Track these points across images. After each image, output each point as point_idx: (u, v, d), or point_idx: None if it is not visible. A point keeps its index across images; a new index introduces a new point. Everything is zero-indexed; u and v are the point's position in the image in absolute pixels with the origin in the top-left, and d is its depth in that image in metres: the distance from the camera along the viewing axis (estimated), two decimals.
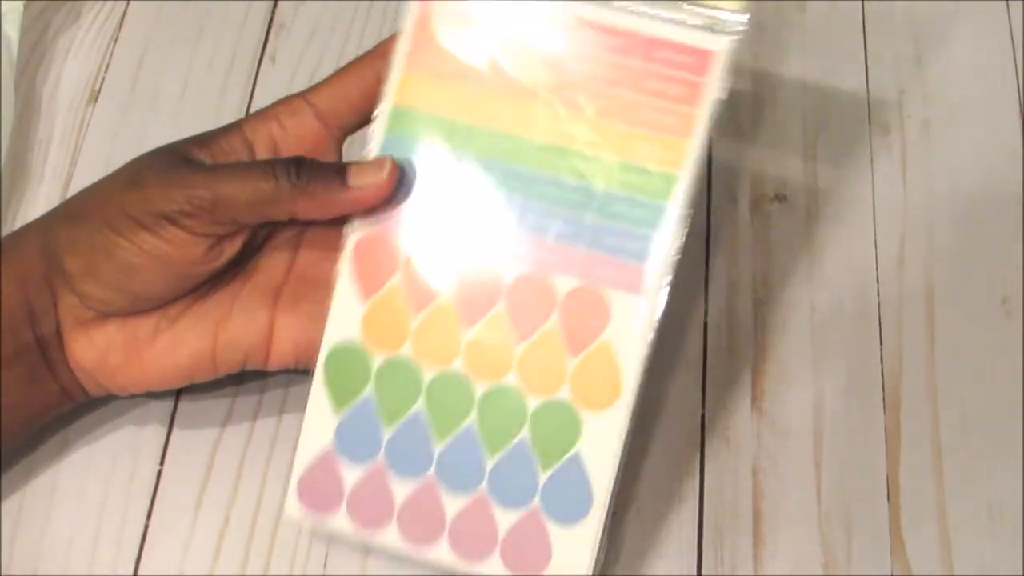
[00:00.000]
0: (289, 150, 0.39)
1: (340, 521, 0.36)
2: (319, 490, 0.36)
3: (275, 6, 0.51)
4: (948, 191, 0.47)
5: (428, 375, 0.36)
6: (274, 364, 0.39)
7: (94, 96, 0.49)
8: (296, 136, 0.39)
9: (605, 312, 0.35)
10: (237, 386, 0.43)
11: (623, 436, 0.35)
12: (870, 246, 0.46)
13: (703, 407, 0.43)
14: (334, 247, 0.37)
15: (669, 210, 0.35)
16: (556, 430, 0.36)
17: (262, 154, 0.39)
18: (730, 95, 0.49)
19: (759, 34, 0.51)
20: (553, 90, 0.36)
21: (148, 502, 0.41)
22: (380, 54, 0.37)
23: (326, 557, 0.40)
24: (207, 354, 0.38)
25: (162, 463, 0.41)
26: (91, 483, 0.41)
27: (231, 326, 0.38)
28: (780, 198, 0.47)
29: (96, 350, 0.38)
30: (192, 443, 0.42)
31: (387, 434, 0.36)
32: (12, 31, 0.47)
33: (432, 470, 0.36)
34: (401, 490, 0.36)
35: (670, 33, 0.35)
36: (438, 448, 0.36)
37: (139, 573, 0.39)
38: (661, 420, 0.42)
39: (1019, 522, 0.41)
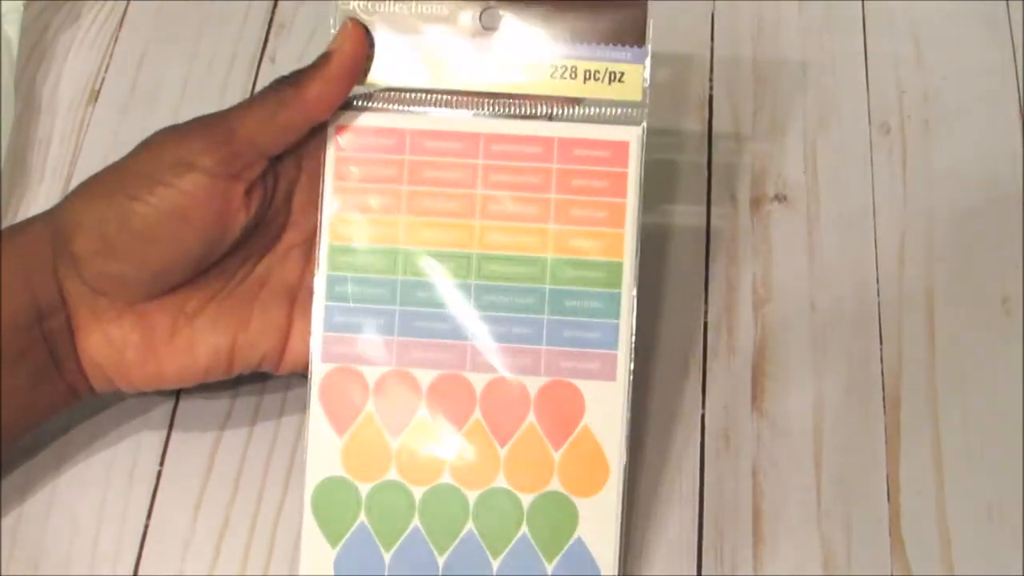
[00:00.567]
0: (316, 162, 0.38)
1: None
2: None
3: (275, 6, 0.51)
4: (948, 191, 0.47)
5: (418, 492, 0.37)
6: (286, 368, 0.39)
7: (94, 96, 0.49)
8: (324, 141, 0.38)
9: (579, 401, 0.37)
10: (237, 387, 0.43)
11: (619, 512, 0.36)
12: (870, 246, 0.46)
13: (703, 407, 0.43)
14: None
15: (623, 296, 0.37)
16: (554, 521, 0.36)
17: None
18: (730, 95, 0.50)
19: (759, 34, 0.51)
20: (483, 203, 0.37)
21: (148, 502, 0.41)
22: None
23: None
24: (224, 354, 0.38)
25: (162, 463, 0.41)
26: (91, 483, 0.41)
27: (251, 327, 0.38)
28: (780, 198, 0.47)
29: (111, 346, 0.37)
30: (192, 443, 0.42)
31: (388, 556, 0.37)
32: (12, 31, 0.47)
33: None
34: None
35: (581, 132, 0.37)
36: (442, 560, 0.37)
37: (139, 573, 0.39)
38: (661, 420, 0.42)
39: (1019, 522, 0.41)
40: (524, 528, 0.36)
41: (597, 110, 0.37)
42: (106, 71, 0.50)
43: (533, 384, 0.37)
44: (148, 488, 0.41)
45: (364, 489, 0.37)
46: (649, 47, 0.36)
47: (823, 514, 0.41)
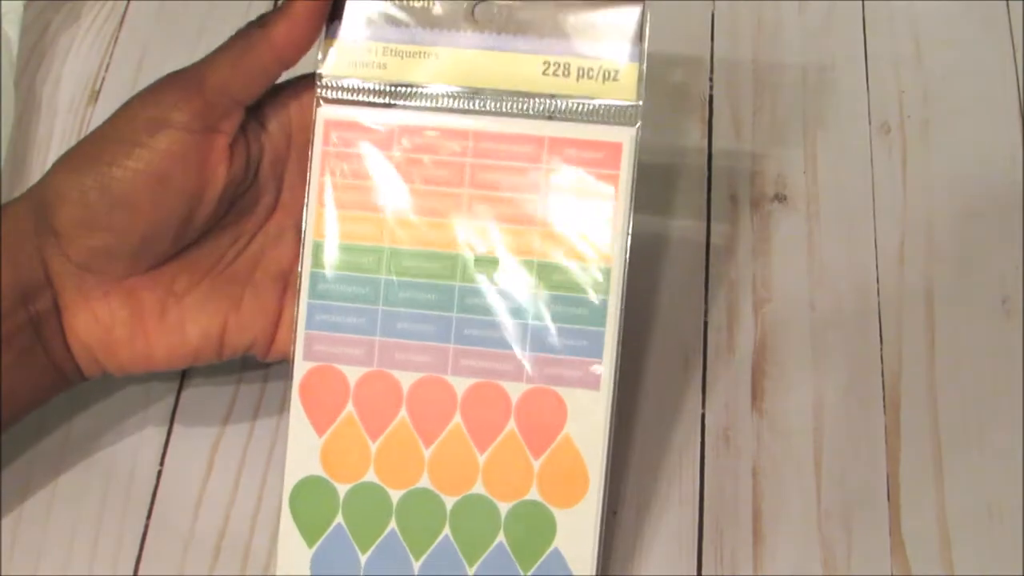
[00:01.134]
0: (307, 139, 0.38)
1: None
2: None
3: (275, 6, 0.51)
4: (948, 191, 0.47)
5: (396, 496, 0.36)
6: (275, 354, 0.39)
7: (94, 96, 0.49)
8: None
9: (562, 410, 0.36)
10: (237, 385, 0.43)
11: (598, 526, 0.36)
12: (870, 246, 0.46)
13: (703, 407, 0.43)
14: None
15: (610, 303, 0.36)
16: (531, 531, 0.36)
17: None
18: (730, 95, 0.50)
19: (759, 34, 0.51)
20: (471, 203, 0.36)
21: (148, 502, 0.41)
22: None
23: None
24: (215, 336, 0.38)
25: (162, 463, 0.41)
26: (91, 483, 0.41)
27: (243, 309, 0.38)
28: (780, 198, 0.47)
29: (99, 325, 0.37)
30: (192, 443, 0.42)
31: (364, 558, 0.36)
32: (12, 31, 0.47)
33: None
34: None
35: (572, 132, 0.36)
36: (417, 564, 0.36)
37: (139, 573, 0.39)
38: (661, 420, 0.43)
39: (1019, 522, 0.41)
40: (501, 536, 0.36)
41: (590, 108, 0.36)
42: (106, 71, 0.50)
43: (515, 390, 0.36)
44: (148, 488, 0.41)
45: (342, 490, 0.36)
46: (645, 45, 0.36)
47: (823, 514, 0.41)
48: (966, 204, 0.47)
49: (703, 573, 0.40)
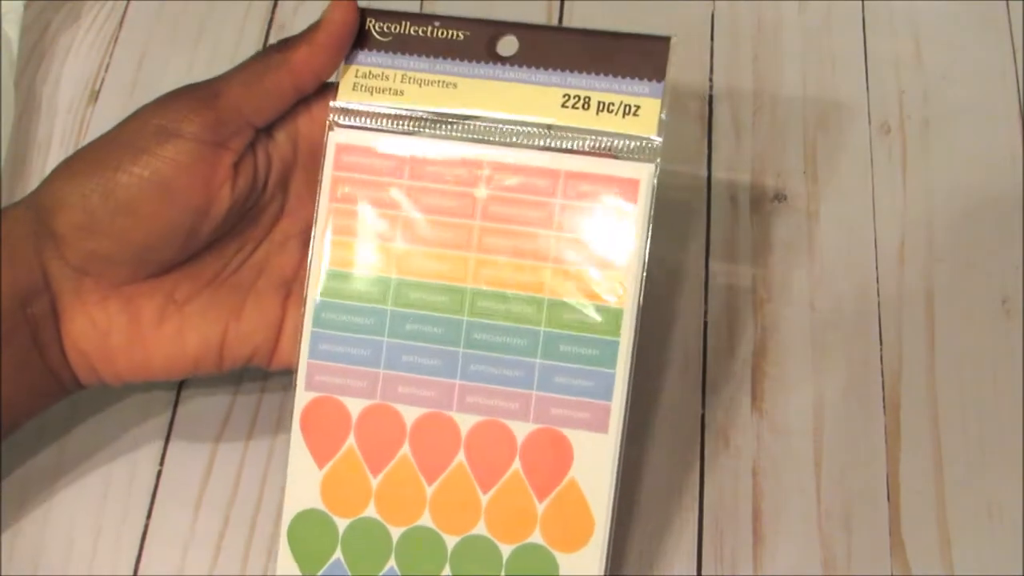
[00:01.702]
0: (314, 148, 0.37)
1: None
2: None
3: (275, 6, 0.51)
4: (948, 191, 0.47)
5: (396, 532, 0.36)
6: (278, 363, 0.38)
7: (94, 96, 0.49)
8: (323, 128, 0.37)
9: (567, 452, 0.35)
10: (237, 386, 0.43)
11: (603, 570, 0.35)
12: (870, 246, 0.46)
13: (703, 407, 0.43)
14: None
15: (621, 344, 0.35)
16: (534, 574, 0.35)
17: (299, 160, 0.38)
18: (730, 95, 0.50)
19: (759, 34, 0.51)
20: (481, 235, 0.35)
21: (148, 502, 0.41)
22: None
23: None
24: (215, 346, 0.37)
25: (162, 463, 0.41)
26: (91, 483, 0.41)
27: (244, 318, 0.37)
28: (780, 198, 0.47)
29: (97, 331, 0.36)
30: (192, 443, 0.42)
31: None
32: (12, 31, 0.47)
33: None
34: None
35: (589, 166, 0.35)
36: None
37: (139, 573, 0.39)
38: (661, 420, 0.43)
39: (1019, 522, 0.41)
40: None
41: (608, 143, 0.35)
42: (106, 71, 0.50)
43: (521, 430, 0.35)
44: (148, 488, 0.41)
45: (342, 524, 0.36)
46: (668, 82, 0.34)
47: (823, 514, 0.41)
48: (966, 204, 0.47)
49: (703, 573, 0.40)
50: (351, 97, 0.36)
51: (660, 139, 0.35)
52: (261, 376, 0.42)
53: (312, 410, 0.36)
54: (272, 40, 0.50)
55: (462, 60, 0.35)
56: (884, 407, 0.43)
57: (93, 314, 0.36)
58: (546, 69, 0.35)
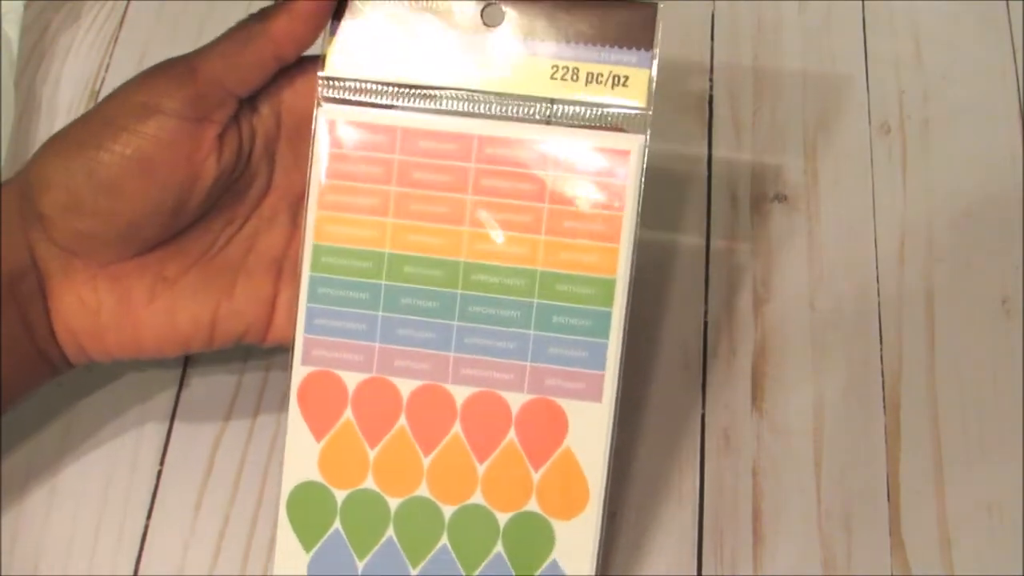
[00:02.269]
0: (297, 119, 0.37)
1: None
2: None
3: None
4: (948, 191, 0.47)
5: (394, 503, 0.36)
6: (272, 340, 0.38)
7: (94, 96, 0.49)
8: (305, 99, 0.37)
9: (563, 421, 0.35)
10: (237, 386, 0.43)
11: (597, 538, 0.36)
12: (870, 246, 0.46)
13: (703, 407, 0.43)
14: None
15: (613, 315, 0.35)
16: (530, 542, 0.36)
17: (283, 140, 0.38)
18: (730, 95, 0.50)
19: (759, 34, 0.51)
20: (472, 209, 0.36)
21: (148, 502, 0.41)
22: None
23: None
24: (206, 324, 0.37)
25: (162, 463, 0.41)
26: (91, 483, 0.41)
27: (235, 296, 0.37)
28: (780, 198, 0.47)
29: (86, 309, 0.36)
30: (192, 443, 0.42)
31: (362, 565, 0.36)
32: (12, 31, 0.47)
33: None
34: None
35: (579, 138, 0.35)
36: (415, 572, 0.36)
37: (139, 573, 0.39)
38: (661, 420, 0.43)
39: (1019, 522, 0.41)
40: (499, 546, 0.36)
41: (598, 114, 0.35)
42: (106, 71, 0.50)
43: (515, 400, 0.36)
44: (148, 488, 0.41)
45: (340, 496, 0.36)
46: (657, 51, 0.34)
47: (823, 514, 0.41)
48: (966, 204, 0.47)
49: (703, 573, 0.40)
50: (338, 71, 0.36)
51: (650, 110, 0.35)
52: (261, 377, 0.42)
53: (309, 384, 0.36)
54: None
55: (448, 30, 0.35)
56: (884, 407, 0.43)
57: (82, 293, 0.36)
58: (534, 39, 0.35)
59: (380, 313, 0.36)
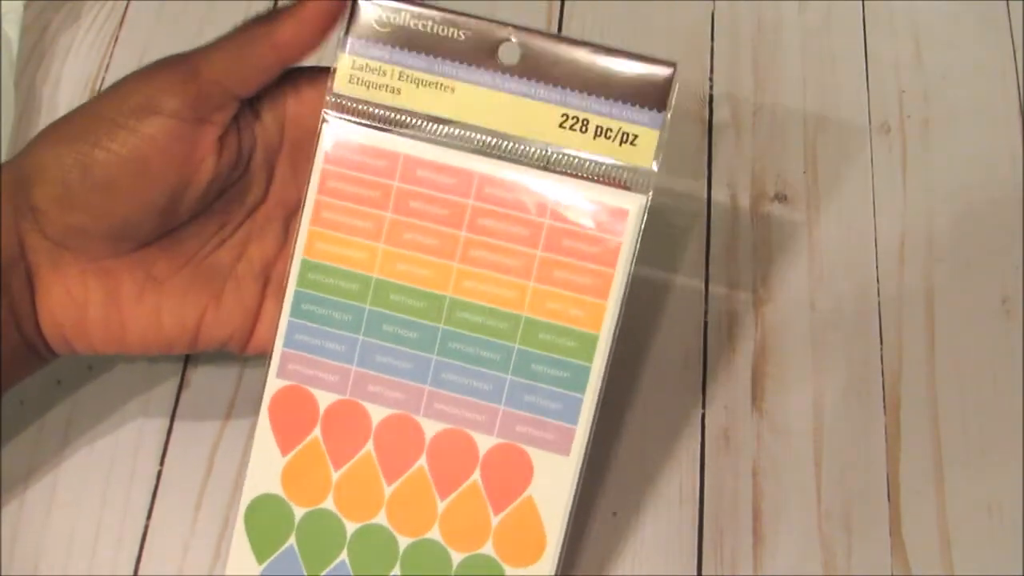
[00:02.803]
0: (301, 131, 0.37)
1: None
2: None
3: (275, 6, 0.51)
4: (948, 191, 0.47)
5: (351, 527, 0.36)
6: (253, 350, 0.38)
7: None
8: (311, 112, 0.36)
9: (528, 469, 0.35)
10: (237, 386, 0.43)
11: None
12: (870, 246, 0.46)
13: (703, 407, 0.43)
14: None
15: (592, 371, 0.35)
16: None
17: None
18: (730, 94, 0.50)
19: (759, 34, 0.51)
20: (466, 247, 0.35)
21: (148, 502, 0.41)
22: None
23: None
24: (191, 328, 0.37)
25: (162, 463, 0.41)
26: (91, 483, 0.41)
27: (223, 304, 0.37)
28: (780, 198, 0.47)
29: (73, 303, 0.36)
30: (192, 443, 0.42)
31: None
32: (12, 31, 0.47)
33: None
34: None
35: (580, 190, 0.35)
36: None
37: (139, 573, 0.39)
38: (661, 420, 0.43)
39: (1019, 522, 0.41)
40: None
41: (602, 169, 0.34)
42: (106, 71, 0.50)
43: (484, 442, 0.35)
44: (148, 488, 0.41)
45: (299, 512, 0.36)
46: (669, 115, 0.34)
47: (823, 514, 0.41)
48: (966, 204, 0.47)
49: (703, 573, 0.40)
50: (346, 89, 0.35)
51: (655, 171, 0.34)
52: (261, 377, 0.42)
53: (281, 397, 0.36)
54: None
55: (461, 63, 0.35)
56: (884, 407, 0.43)
57: (70, 287, 0.36)
58: (546, 84, 0.34)
59: (360, 336, 0.36)
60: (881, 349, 0.44)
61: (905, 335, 0.44)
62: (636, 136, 0.34)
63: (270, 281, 0.38)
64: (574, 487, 0.35)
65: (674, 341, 0.44)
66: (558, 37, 0.34)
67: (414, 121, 0.35)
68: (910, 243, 0.46)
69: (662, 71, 0.34)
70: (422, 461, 0.36)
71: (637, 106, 0.34)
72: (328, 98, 0.35)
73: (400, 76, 0.35)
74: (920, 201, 0.47)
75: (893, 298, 0.45)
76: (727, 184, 0.47)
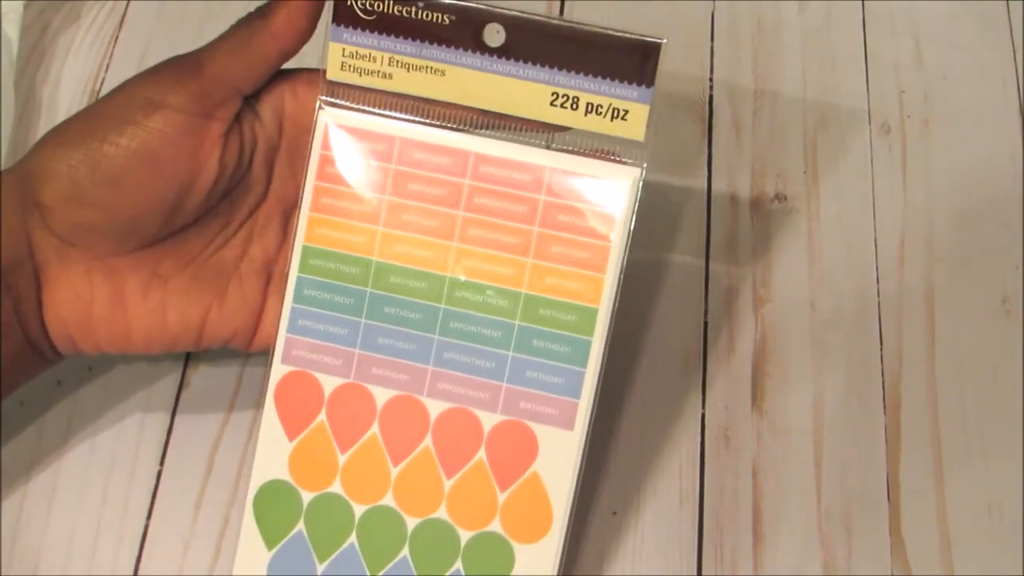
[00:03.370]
0: (298, 130, 0.37)
1: None
2: None
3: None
4: (948, 191, 0.47)
5: (359, 510, 0.36)
6: (258, 346, 0.39)
7: (94, 96, 0.49)
8: (308, 111, 0.37)
9: (533, 445, 0.36)
10: (237, 386, 0.43)
11: (558, 563, 0.36)
12: (870, 246, 0.46)
13: (703, 407, 0.43)
14: None
15: (593, 344, 0.35)
16: (490, 562, 0.36)
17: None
18: (730, 95, 0.50)
19: (759, 34, 0.51)
20: (463, 226, 0.36)
21: (148, 502, 0.41)
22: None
23: None
24: (195, 326, 0.37)
25: (162, 463, 0.41)
26: (91, 483, 0.41)
27: (226, 302, 0.38)
28: (780, 198, 0.47)
29: (80, 301, 0.36)
30: (192, 443, 0.42)
31: (322, 567, 0.36)
32: (12, 31, 0.47)
33: None
34: None
35: (574, 166, 0.35)
36: None
37: (139, 573, 0.39)
38: (661, 420, 0.43)
39: (1019, 522, 0.41)
40: (459, 563, 0.36)
41: (595, 144, 0.35)
42: (106, 71, 0.50)
43: (488, 420, 0.36)
44: (148, 488, 0.41)
45: (307, 497, 0.36)
46: (655, 88, 0.34)
47: (823, 514, 0.41)
48: (966, 204, 0.47)
49: (703, 573, 0.40)
50: (338, 76, 0.36)
51: (647, 145, 0.35)
52: (262, 377, 0.42)
53: (286, 383, 0.36)
54: None
55: (448, 47, 0.35)
56: (884, 407, 0.43)
57: (77, 284, 0.36)
58: (534, 64, 0.35)
59: (363, 320, 0.36)
60: (881, 349, 0.44)
61: (905, 335, 0.44)
62: (627, 111, 0.35)
63: (272, 278, 0.39)
64: (579, 461, 0.35)
65: (674, 341, 0.44)
66: (541, 19, 0.34)
67: (407, 104, 0.36)
68: (910, 243, 0.46)
69: (648, 46, 0.34)
70: (427, 441, 0.36)
71: (626, 82, 0.34)
72: (322, 85, 0.36)
73: (391, 61, 0.35)
74: (920, 201, 0.47)
75: (893, 298, 0.45)
76: (727, 184, 0.47)
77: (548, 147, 0.35)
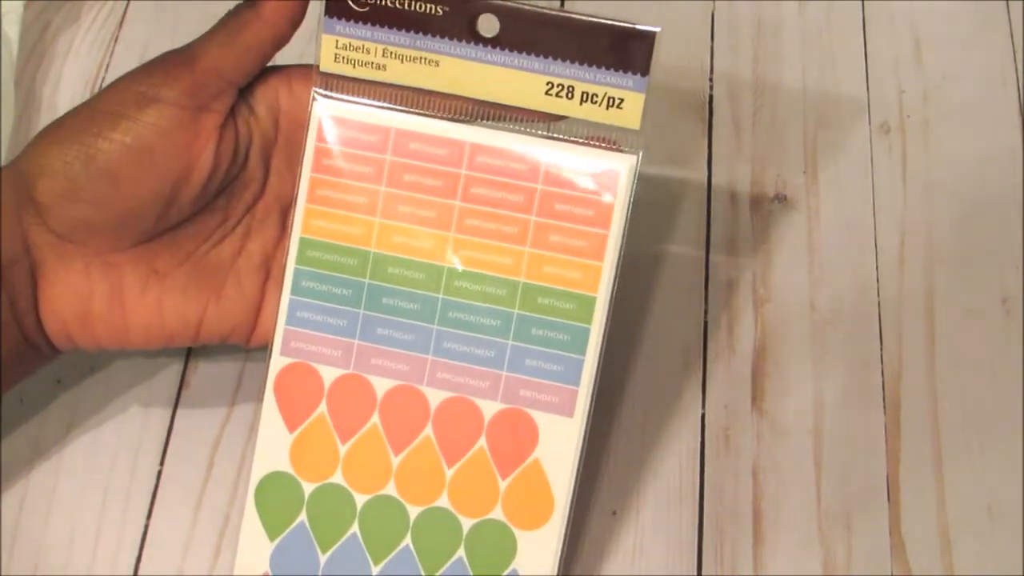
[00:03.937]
0: (294, 125, 0.37)
1: None
2: None
3: None
4: (948, 191, 0.47)
5: (361, 500, 0.36)
6: (257, 342, 0.39)
7: None
8: (303, 106, 0.37)
9: (533, 433, 0.36)
10: (237, 386, 0.43)
11: (559, 550, 0.36)
12: (870, 246, 0.46)
13: (703, 407, 0.43)
14: None
15: (592, 332, 0.35)
16: (492, 549, 0.36)
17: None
18: (730, 95, 0.50)
19: (759, 34, 0.51)
20: (461, 216, 0.36)
21: (148, 502, 0.41)
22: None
23: None
24: (193, 322, 0.37)
25: (162, 463, 0.41)
26: (91, 483, 0.41)
27: (224, 298, 0.38)
28: (780, 198, 0.47)
29: (77, 297, 0.36)
30: (192, 443, 0.42)
31: (324, 558, 0.36)
32: (12, 31, 0.47)
33: None
34: None
35: (570, 154, 0.35)
36: (376, 569, 0.36)
37: (139, 573, 0.39)
38: (661, 420, 0.43)
39: (1019, 522, 0.41)
40: (461, 551, 0.36)
41: (591, 133, 0.35)
42: (106, 71, 0.50)
43: (488, 408, 0.36)
44: (148, 488, 0.41)
45: (308, 488, 0.36)
46: (650, 77, 0.34)
47: (823, 514, 0.41)
48: (966, 204, 0.47)
49: (703, 573, 0.40)
50: (332, 68, 0.36)
51: (643, 133, 0.35)
52: (262, 377, 0.42)
53: (286, 375, 0.36)
54: None
55: (442, 37, 0.35)
56: (884, 407, 0.43)
57: (74, 280, 0.36)
58: (529, 54, 0.35)
59: (361, 311, 0.36)
60: (881, 349, 0.44)
61: (905, 335, 0.44)
62: (622, 100, 0.34)
63: (270, 274, 0.39)
64: (579, 448, 0.36)
65: (674, 340, 0.44)
66: (535, 8, 0.34)
67: (402, 95, 0.36)
68: (910, 243, 0.46)
69: (642, 34, 0.34)
70: (428, 430, 0.36)
71: (621, 71, 0.34)
72: (316, 77, 0.36)
73: (384, 53, 0.35)
74: (920, 201, 0.47)
75: (893, 298, 0.45)
76: (727, 183, 0.47)
77: (544, 136, 0.35)
